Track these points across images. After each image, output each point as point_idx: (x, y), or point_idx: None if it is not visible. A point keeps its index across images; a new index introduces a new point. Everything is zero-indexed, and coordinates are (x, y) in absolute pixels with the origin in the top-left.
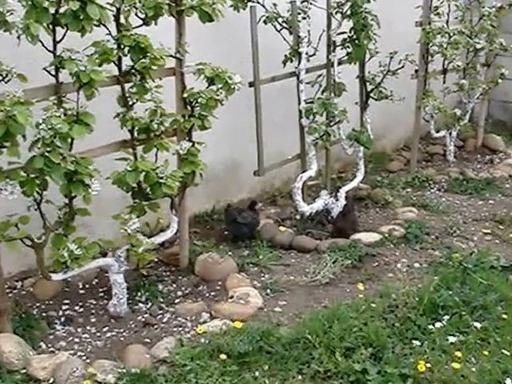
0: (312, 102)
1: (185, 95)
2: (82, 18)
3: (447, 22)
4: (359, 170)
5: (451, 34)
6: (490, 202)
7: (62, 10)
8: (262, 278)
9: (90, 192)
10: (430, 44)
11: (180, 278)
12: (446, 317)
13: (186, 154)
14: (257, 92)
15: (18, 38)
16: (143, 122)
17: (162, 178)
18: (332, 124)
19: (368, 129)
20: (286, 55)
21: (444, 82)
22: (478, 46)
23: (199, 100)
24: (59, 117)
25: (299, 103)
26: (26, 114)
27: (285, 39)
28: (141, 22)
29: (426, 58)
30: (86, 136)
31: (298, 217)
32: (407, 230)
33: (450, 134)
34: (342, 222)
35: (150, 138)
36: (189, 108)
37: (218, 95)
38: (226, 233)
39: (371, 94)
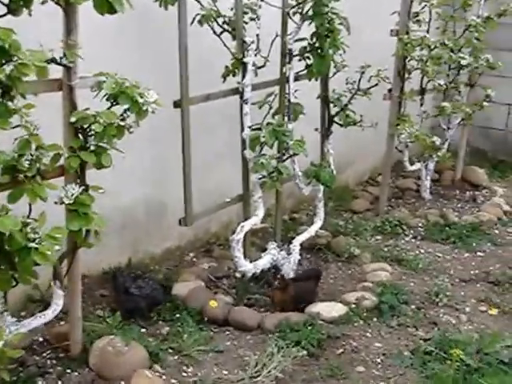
0: (259, 129)
1: (72, 119)
2: None
3: (427, 31)
4: (318, 215)
5: (432, 47)
6: (479, 253)
7: None
8: (184, 374)
9: None
10: (408, 58)
11: (69, 371)
12: None
13: (73, 204)
14: (184, 114)
15: None
16: (7, 159)
17: (34, 240)
18: (285, 158)
19: (331, 162)
20: (226, 66)
21: (422, 105)
22: (464, 62)
23: (94, 126)
24: None
25: (242, 130)
26: None
27: (226, 46)
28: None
29: (402, 75)
30: None
31: (238, 275)
32: (380, 299)
33: (427, 166)
34: (291, 292)
35: (18, 181)
36: (81, 137)
37: (123, 119)
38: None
39: (335, 119)
